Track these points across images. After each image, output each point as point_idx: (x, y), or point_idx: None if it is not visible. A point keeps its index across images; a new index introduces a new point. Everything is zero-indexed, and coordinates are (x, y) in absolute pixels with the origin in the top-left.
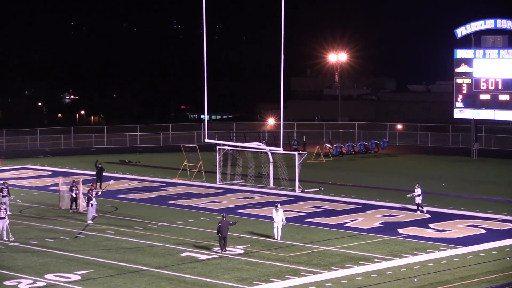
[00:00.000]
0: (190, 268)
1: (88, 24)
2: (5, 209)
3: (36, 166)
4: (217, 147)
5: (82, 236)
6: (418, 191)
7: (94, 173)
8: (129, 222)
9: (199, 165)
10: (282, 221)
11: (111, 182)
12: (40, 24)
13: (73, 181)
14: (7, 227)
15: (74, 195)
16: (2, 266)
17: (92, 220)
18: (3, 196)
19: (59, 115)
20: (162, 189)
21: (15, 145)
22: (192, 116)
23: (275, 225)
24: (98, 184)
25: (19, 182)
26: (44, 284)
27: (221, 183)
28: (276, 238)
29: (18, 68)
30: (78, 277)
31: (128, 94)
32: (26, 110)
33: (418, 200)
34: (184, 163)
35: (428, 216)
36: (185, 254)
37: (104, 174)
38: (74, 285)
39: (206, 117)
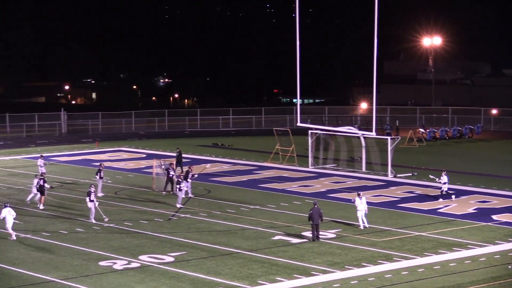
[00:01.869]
0: (282, 251)
1: (182, 7)
2: (94, 191)
3: (130, 149)
4: (310, 131)
5: (175, 218)
6: (444, 178)
7: (188, 156)
8: (221, 205)
9: (291, 149)
10: (365, 208)
11: (208, 166)
12: (135, 8)
13: (170, 163)
14: (95, 209)
15: (171, 175)
16: (97, 246)
17: (182, 204)
18: (100, 178)
19: (153, 98)
20: (254, 172)
21: (110, 128)
22: (284, 100)
23: (359, 214)
24: (179, 168)
25: (114, 164)
26: (138, 265)
27: (313, 167)
28: (361, 226)
29: (114, 52)
30: (172, 259)
31: (221, 78)
32: (121, 93)
33: (445, 187)
34: (277, 146)
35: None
36: (277, 237)
37: (198, 157)
38: (167, 267)
39: (298, 101)
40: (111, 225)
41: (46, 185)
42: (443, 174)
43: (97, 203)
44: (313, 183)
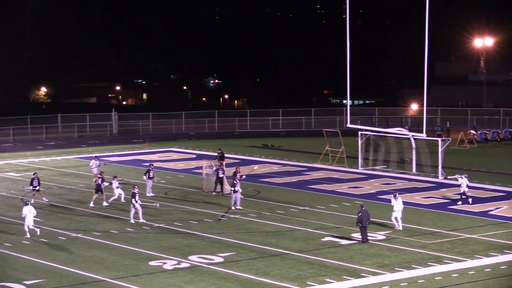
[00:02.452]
0: (332, 253)
1: (232, 8)
2: (138, 192)
3: (180, 149)
4: (359, 132)
5: (225, 219)
6: (461, 181)
7: (237, 156)
8: (271, 205)
9: (341, 150)
10: (401, 209)
11: (255, 167)
12: (185, 9)
13: (220, 164)
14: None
15: (220, 175)
16: (147, 246)
17: (235, 207)
18: (149, 178)
19: (203, 99)
20: (304, 173)
21: (160, 128)
22: (334, 101)
23: (394, 214)
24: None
25: (164, 165)
26: (188, 265)
27: (363, 168)
28: (397, 227)
29: (164, 52)
30: (221, 259)
31: (271, 79)
32: (171, 94)
33: (463, 189)
34: (326, 147)
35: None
36: (326, 238)
37: (248, 158)
38: (217, 267)
39: (348, 102)
40: (161, 225)
41: (104, 183)
42: (462, 177)
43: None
44: (362, 184)
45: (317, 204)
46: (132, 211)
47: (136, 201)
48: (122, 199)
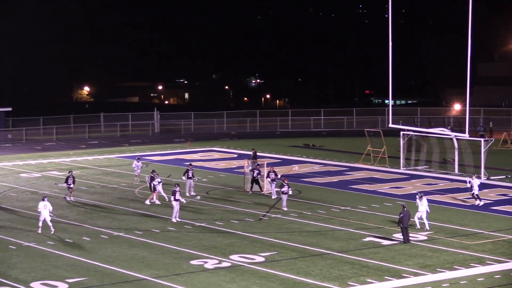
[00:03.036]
0: (373, 253)
1: (274, 8)
2: (179, 190)
3: (222, 149)
4: (401, 132)
5: (266, 218)
6: (473, 182)
7: (278, 156)
8: (312, 205)
9: (382, 150)
10: (426, 210)
11: (295, 168)
12: (228, 9)
13: (257, 164)
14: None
15: (255, 174)
16: (189, 245)
17: (283, 208)
18: (188, 178)
19: (245, 98)
20: (345, 173)
21: (202, 128)
22: (376, 101)
23: (418, 215)
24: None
25: (206, 164)
26: (229, 264)
27: (404, 168)
28: (418, 226)
29: (206, 52)
30: (262, 259)
31: (312, 78)
32: (213, 94)
33: (475, 190)
34: (368, 147)
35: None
36: (367, 239)
37: (289, 157)
38: (258, 267)
39: (390, 102)
40: (202, 224)
41: (153, 182)
42: (473, 177)
43: (184, 201)
44: (404, 184)
45: (359, 204)
46: (174, 209)
47: (176, 199)
48: (165, 197)
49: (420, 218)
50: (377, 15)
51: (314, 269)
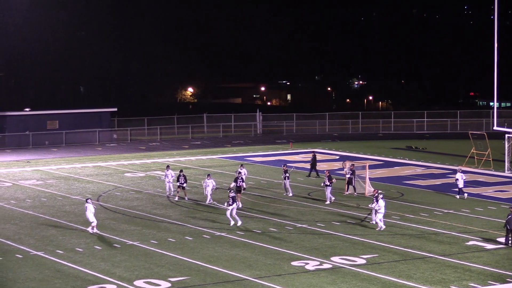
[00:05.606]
0: (476, 257)
1: (378, 9)
2: (232, 196)
3: (324, 150)
4: (506, 135)
5: (367, 220)
6: (457, 176)
7: (380, 158)
8: (414, 208)
9: (487, 153)
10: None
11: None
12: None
13: (352, 164)
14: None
15: (349, 176)
16: (290, 246)
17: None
18: (285, 178)
19: (347, 100)
20: (448, 176)
21: (304, 129)
22: (480, 103)
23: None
24: (314, 172)
25: (308, 166)
26: (330, 266)
27: (509, 171)
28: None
29: (309, 54)
30: (363, 261)
31: (415, 80)
32: (315, 95)
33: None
34: (472, 150)
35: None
36: (471, 242)
37: (392, 159)
38: (359, 269)
39: (495, 103)
40: (303, 225)
41: (244, 184)
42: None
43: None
44: (509, 188)
45: (462, 208)
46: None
47: (230, 204)
48: (209, 199)
49: None
50: (482, 16)
51: (416, 272)
